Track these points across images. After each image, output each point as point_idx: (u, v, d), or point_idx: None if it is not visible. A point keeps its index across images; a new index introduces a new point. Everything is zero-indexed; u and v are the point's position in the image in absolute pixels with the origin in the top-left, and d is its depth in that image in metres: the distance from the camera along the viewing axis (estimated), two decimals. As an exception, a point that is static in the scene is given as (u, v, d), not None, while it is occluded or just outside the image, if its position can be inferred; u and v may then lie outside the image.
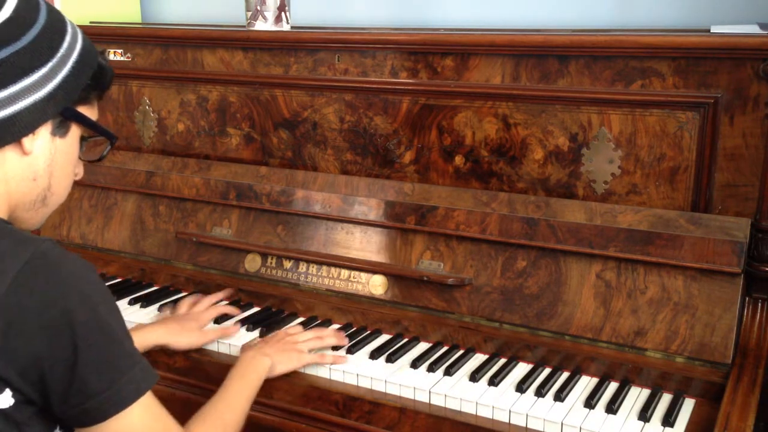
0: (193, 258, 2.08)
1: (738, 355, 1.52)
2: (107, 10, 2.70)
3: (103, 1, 2.70)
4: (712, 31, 1.74)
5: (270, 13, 2.11)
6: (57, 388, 1.07)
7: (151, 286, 2.12)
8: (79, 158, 1.26)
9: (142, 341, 1.65)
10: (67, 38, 1.17)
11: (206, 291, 2.04)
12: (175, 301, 1.98)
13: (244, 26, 2.16)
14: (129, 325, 1.83)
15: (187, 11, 2.80)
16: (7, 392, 1.06)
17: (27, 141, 1.14)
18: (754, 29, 1.70)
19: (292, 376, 1.62)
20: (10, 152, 1.14)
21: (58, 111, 1.16)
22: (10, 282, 1.03)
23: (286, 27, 2.14)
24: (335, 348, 1.70)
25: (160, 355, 1.74)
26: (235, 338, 1.78)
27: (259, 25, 2.11)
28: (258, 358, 1.56)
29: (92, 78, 1.20)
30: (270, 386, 1.60)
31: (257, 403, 1.53)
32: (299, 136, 2.07)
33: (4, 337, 1.03)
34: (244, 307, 1.94)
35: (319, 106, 2.02)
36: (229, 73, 2.13)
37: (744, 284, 1.56)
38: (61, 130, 1.18)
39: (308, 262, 1.94)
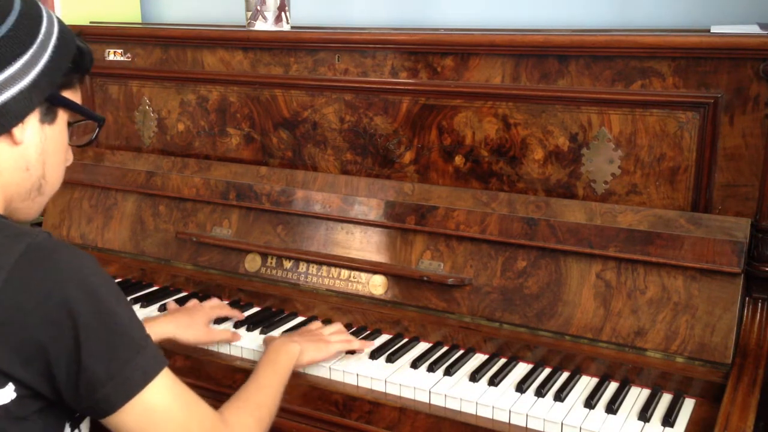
0: (193, 258, 2.08)
1: (738, 355, 1.52)
2: (107, 10, 2.70)
3: (103, 1, 2.70)
4: (712, 31, 1.74)
5: (270, 13, 2.11)
6: (64, 379, 1.06)
7: (151, 286, 2.12)
8: (69, 144, 1.26)
9: (151, 334, 1.65)
10: (44, 23, 1.16)
11: (206, 291, 2.04)
12: (177, 300, 1.98)
13: (244, 26, 2.16)
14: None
15: (187, 11, 2.80)
16: (9, 387, 1.05)
17: (17, 131, 1.14)
18: (754, 29, 1.70)
19: (293, 376, 1.62)
20: (0, 144, 1.14)
21: (44, 98, 1.16)
22: (5, 277, 1.02)
23: (286, 27, 2.14)
24: (351, 352, 1.70)
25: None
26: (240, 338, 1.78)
27: (259, 25, 2.11)
28: (287, 344, 1.56)
29: (73, 61, 1.20)
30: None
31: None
32: (299, 136, 2.07)
33: (4, 333, 1.02)
34: (243, 307, 1.94)
35: (319, 106, 2.02)
36: (229, 73, 2.13)
37: (744, 284, 1.56)
38: (48, 116, 1.18)
39: (308, 262, 1.94)
